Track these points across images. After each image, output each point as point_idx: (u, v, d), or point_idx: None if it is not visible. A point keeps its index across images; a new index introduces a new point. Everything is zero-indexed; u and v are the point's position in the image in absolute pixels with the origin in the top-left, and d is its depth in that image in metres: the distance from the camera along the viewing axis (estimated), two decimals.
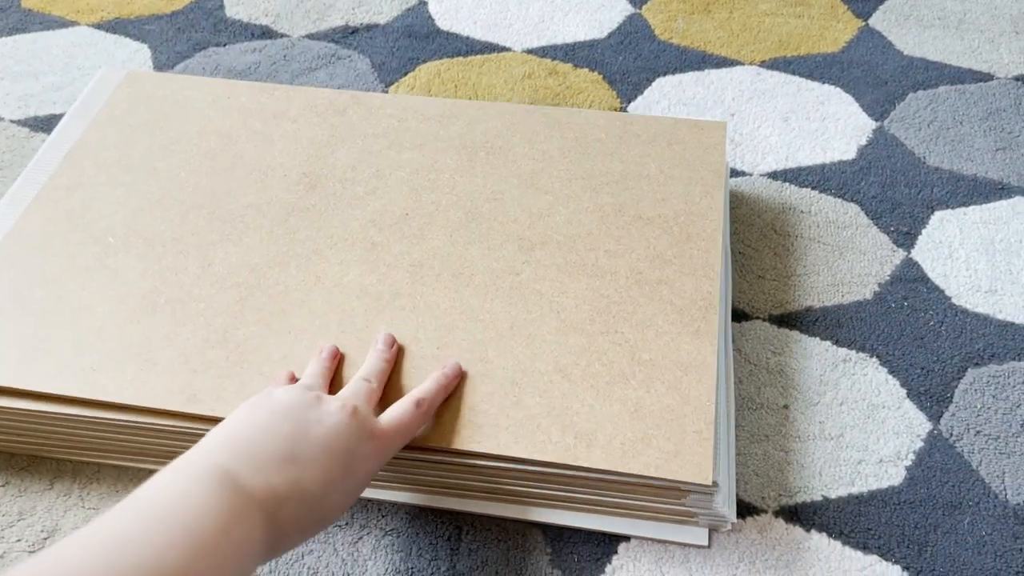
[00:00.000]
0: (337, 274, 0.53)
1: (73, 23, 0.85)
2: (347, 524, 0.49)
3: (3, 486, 0.51)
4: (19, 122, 0.74)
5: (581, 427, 0.46)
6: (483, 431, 0.46)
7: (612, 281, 0.52)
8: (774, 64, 0.78)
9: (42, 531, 0.49)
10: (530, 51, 0.80)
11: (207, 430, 0.42)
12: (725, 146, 0.60)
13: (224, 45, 0.82)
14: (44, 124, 0.74)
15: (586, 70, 0.78)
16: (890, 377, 0.55)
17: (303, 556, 0.48)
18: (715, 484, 0.44)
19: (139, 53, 0.81)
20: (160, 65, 0.80)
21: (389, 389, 0.48)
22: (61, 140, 0.62)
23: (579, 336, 0.50)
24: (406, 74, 0.78)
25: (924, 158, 0.69)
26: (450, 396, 0.47)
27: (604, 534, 0.48)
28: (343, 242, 0.55)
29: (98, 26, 0.84)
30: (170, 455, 0.49)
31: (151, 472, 0.51)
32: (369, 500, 0.50)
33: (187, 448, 0.48)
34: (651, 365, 0.48)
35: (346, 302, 0.52)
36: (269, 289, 0.52)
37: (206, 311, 0.51)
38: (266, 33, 0.83)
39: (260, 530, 0.36)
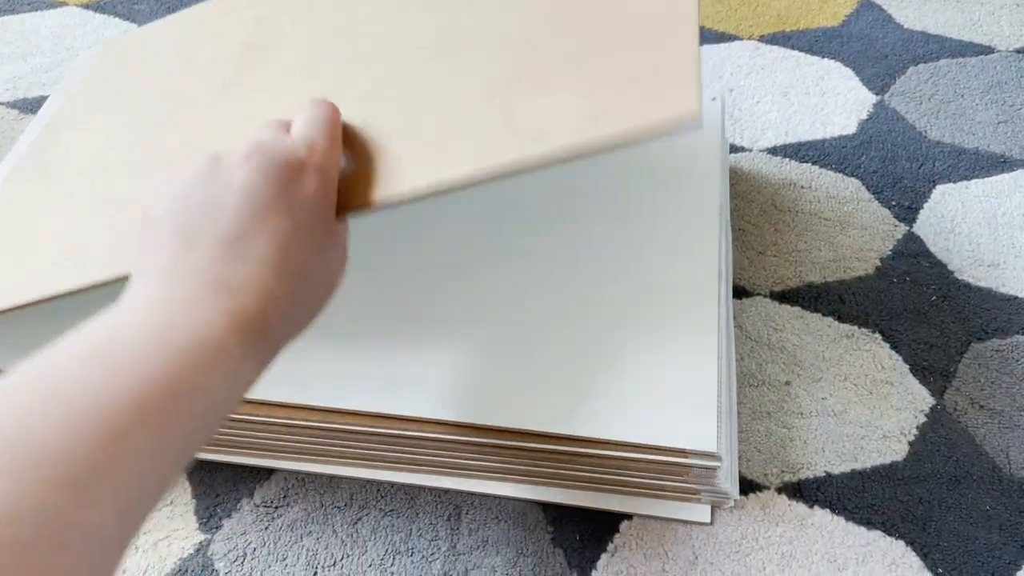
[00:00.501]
0: (270, 105, 0.48)
1: (62, 3, 0.84)
2: (346, 505, 0.49)
3: None
4: (8, 104, 0.73)
5: (529, 125, 0.38)
6: (414, 167, 0.39)
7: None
8: (773, 39, 0.77)
9: None
10: None
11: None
12: None
13: None
14: (33, 106, 0.73)
15: None
16: (893, 352, 0.55)
17: (302, 538, 0.47)
18: (698, 122, 0.35)
19: (128, 32, 0.80)
20: None
21: None
22: (44, 117, 0.61)
23: (524, 49, 0.41)
24: None
25: (925, 132, 0.68)
26: (377, 146, 0.40)
27: (606, 512, 0.48)
28: (281, 86, 0.50)
29: (87, 6, 0.83)
30: None
31: None
32: (367, 481, 0.49)
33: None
34: (615, 41, 0.39)
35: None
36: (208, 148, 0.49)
37: (144, 189, 0.47)
38: None
39: (237, 349, 0.31)
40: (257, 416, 0.46)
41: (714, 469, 0.44)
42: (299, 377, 0.46)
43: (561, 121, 0.37)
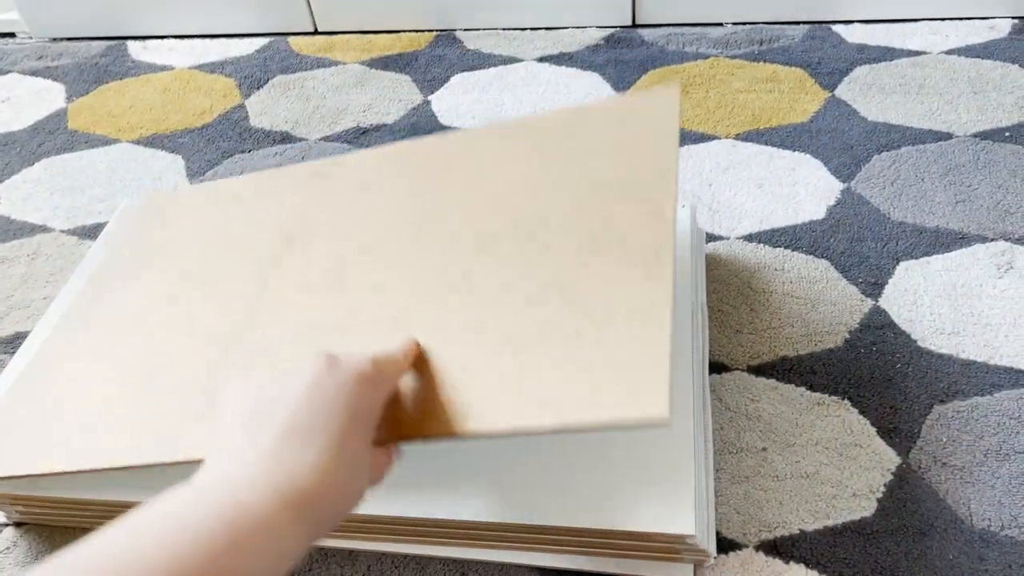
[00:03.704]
0: (308, 314, 0.56)
1: (115, 140, 0.95)
2: None
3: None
4: (68, 231, 0.83)
5: (533, 393, 0.46)
6: (435, 417, 0.47)
7: (564, 251, 0.53)
8: (748, 136, 0.85)
9: None
10: None
11: None
12: (678, 108, 0.59)
13: (249, 151, 0.91)
14: (91, 232, 0.83)
15: None
16: (861, 417, 0.59)
17: None
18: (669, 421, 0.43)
19: (174, 164, 0.90)
20: (192, 173, 0.89)
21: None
22: (88, 268, 0.69)
23: (531, 308, 0.50)
24: None
25: (889, 214, 0.74)
26: (401, 393, 0.48)
27: (597, 574, 0.53)
28: (315, 285, 0.58)
29: (137, 142, 0.94)
30: None
31: None
32: (383, 553, 0.55)
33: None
34: (604, 321, 0.48)
35: (317, 337, 0.55)
36: (248, 338, 0.56)
37: (194, 371, 0.55)
38: (286, 138, 0.92)
39: (288, 526, 0.35)
40: None
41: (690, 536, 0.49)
42: None
43: (561, 393, 0.45)
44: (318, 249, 0.61)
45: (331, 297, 0.57)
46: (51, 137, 0.96)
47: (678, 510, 0.49)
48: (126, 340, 0.60)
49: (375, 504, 0.51)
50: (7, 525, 0.59)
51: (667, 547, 0.50)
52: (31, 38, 1.15)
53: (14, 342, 0.72)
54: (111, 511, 0.55)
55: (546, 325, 0.49)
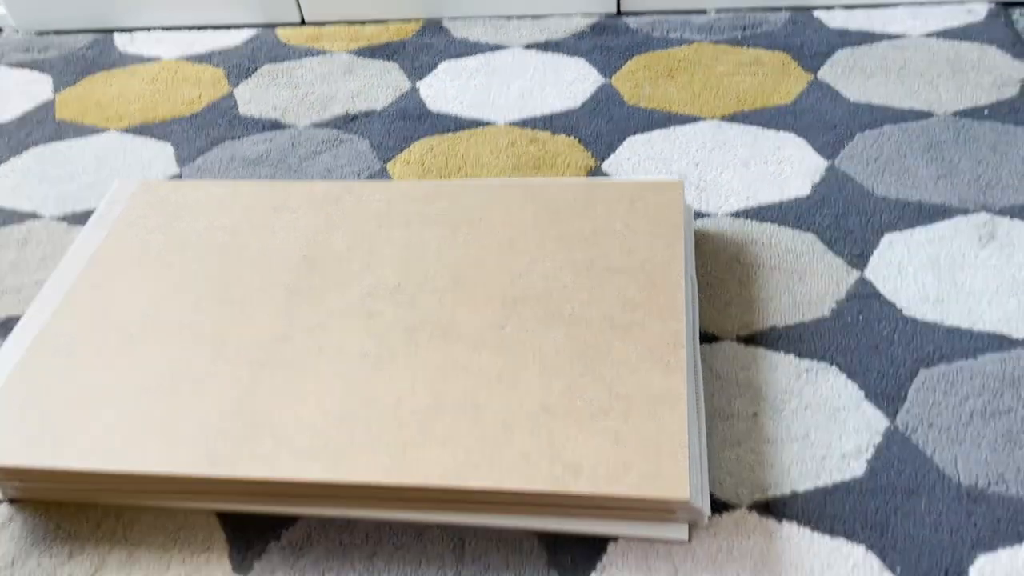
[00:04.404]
0: (338, 342, 0.59)
1: (104, 129, 0.95)
2: (362, 543, 0.54)
3: (55, 529, 0.57)
4: (58, 218, 0.83)
5: (567, 458, 0.51)
6: (480, 468, 0.51)
7: (588, 327, 0.58)
8: (733, 118, 0.86)
9: (91, 567, 0.55)
10: (512, 123, 0.89)
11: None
12: (682, 200, 0.66)
13: (238, 138, 0.91)
14: (80, 218, 0.83)
15: (563, 136, 0.86)
16: (849, 382, 0.61)
17: (324, 573, 0.53)
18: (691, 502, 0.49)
19: (163, 151, 0.90)
20: (182, 160, 0.89)
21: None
22: (83, 248, 0.69)
23: (561, 378, 0.56)
24: (401, 151, 0.87)
25: (872, 189, 0.76)
26: (448, 440, 0.53)
27: (594, 536, 0.53)
28: (342, 314, 0.61)
29: (126, 131, 0.94)
30: (205, 492, 0.55)
31: (189, 510, 0.57)
32: (380, 521, 0.55)
33: (220, 483, 0.54)
34: (628, 399, 0.54)
35: (348, 366, 0.58)
36: (277, 362, 0.58)
37: (221, 386, 0.57)
38: (275, 125, 0.92)
39: None
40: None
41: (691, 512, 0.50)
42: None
43: (591, 465, 0.51)
44: (342, 278, 0.64)
45: (361, 329, 0.61)
46: (39, 127, 0.96)
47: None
48: (143, 337, 0.61)
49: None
50: (1, 502, 0.59)
51: (663, 509, 0.51)
52: (17, 32, 1.15)
53: (6, 324, 0.72)
54: (119, 482, 0.55)
55: (576, 398, 0.55)
